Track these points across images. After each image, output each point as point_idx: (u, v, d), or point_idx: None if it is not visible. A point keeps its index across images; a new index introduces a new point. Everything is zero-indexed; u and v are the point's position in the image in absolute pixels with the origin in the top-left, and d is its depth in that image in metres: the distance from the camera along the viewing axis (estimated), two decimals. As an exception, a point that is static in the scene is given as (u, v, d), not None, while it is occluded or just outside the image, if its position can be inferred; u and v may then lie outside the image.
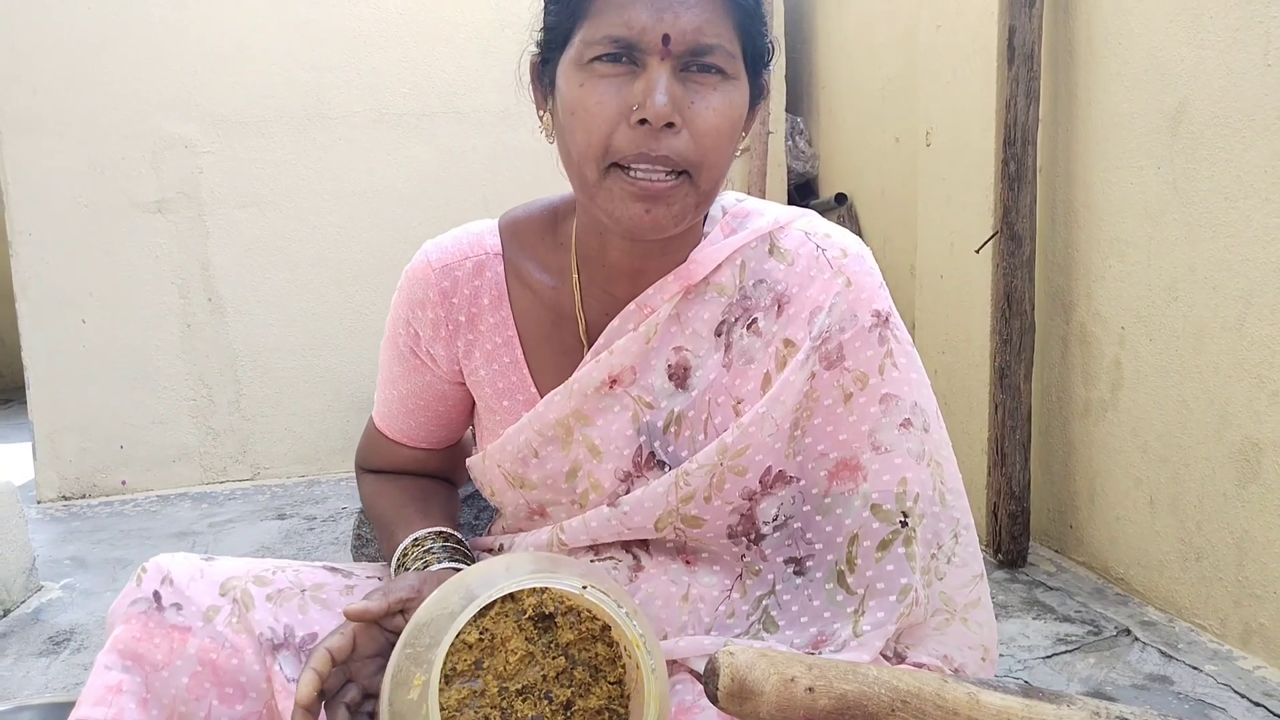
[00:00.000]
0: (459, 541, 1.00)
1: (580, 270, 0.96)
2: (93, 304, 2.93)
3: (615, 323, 0.94)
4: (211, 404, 3.06)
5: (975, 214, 2.16)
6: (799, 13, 3.26)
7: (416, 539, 0.98)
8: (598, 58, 0.81)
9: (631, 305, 0.94)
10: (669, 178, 0.82)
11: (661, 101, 0.80)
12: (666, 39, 0.80)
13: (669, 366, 0.94)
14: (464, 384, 1.02)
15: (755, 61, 0.88)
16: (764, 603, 0.94)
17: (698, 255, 0.93)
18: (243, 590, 0.92)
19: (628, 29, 0.80)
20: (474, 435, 1.12)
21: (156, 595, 0.88)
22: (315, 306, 3.09)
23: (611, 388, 0.94)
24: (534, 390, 0.97)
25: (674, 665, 0.92)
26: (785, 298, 0.94)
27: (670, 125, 0.81)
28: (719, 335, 0.94)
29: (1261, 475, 1.51)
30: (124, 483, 3.00)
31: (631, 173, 0.82)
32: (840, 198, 2.85)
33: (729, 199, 1.00)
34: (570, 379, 0.94)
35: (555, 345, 0.97)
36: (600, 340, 0.94)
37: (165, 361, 3.00)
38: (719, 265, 0.94)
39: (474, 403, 1.05)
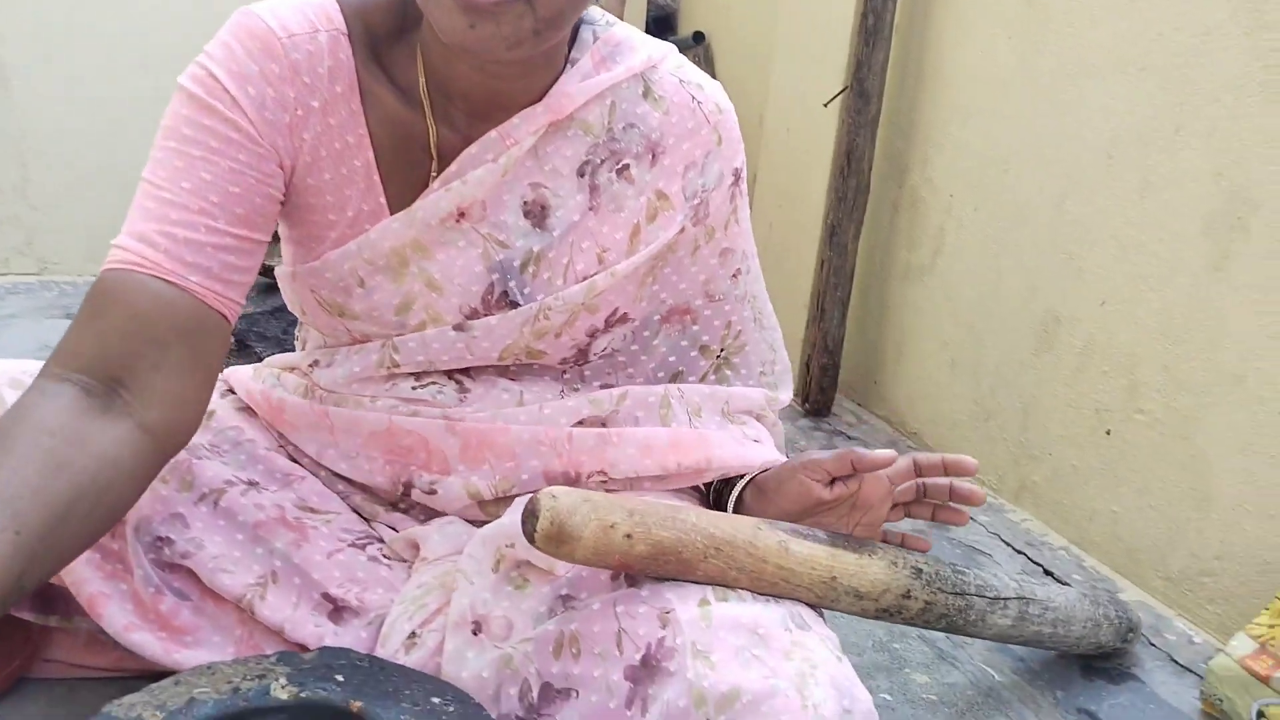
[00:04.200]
0: None
1: (430, 87, 0.86)
2: None
3: (473, 149, 0.86)
4: (-10, 185, 2.75)
5: (829, 67, 2.14)
6: None
7: None
8: None
9: (493, 134, 0.86)
10: None
11: None
12: None
13: (524, 203, 0.89)
14: (285, 187, 0.86)
15: None
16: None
17: (568, 88, 0.87)
18: None
19: None
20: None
21: None
22: (117, 92, 2.78)
23: (458, 221, 0.88)
24: (383, 202, 0.88)
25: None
26: (660, 148, 0.91)
27: None
28: (582, 176, 0.90)
29: (1056, 346, 1.61)
30: (-116, 263, 2.68)
31: None
32: (698, 36, 2.77)
33: (596, 17, 0.93)
34: (414, 205, 0.87)
35: (404, 159, 0.88)
36: (453, 167, 0.87)
37: (-66, 131, 2.66)
38: (587, 101, 0.88)
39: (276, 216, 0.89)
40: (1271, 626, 1.07)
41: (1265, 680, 1.02)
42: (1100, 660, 1.18)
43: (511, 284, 0.91)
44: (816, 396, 2.09)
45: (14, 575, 0.65)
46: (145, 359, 0.76)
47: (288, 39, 0.83)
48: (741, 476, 0.95)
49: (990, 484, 1.74)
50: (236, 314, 0.82)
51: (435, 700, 0.77)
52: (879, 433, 1.99)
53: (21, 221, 2.79)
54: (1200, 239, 1.36)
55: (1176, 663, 1.21)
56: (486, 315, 0.91)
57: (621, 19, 0.96)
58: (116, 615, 0.86)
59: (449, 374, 0.96)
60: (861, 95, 1.98)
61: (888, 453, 0.88)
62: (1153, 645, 1.24)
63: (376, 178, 0.87)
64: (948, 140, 1.88)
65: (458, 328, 0.91)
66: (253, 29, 0.82)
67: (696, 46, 2.75)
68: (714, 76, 2.88)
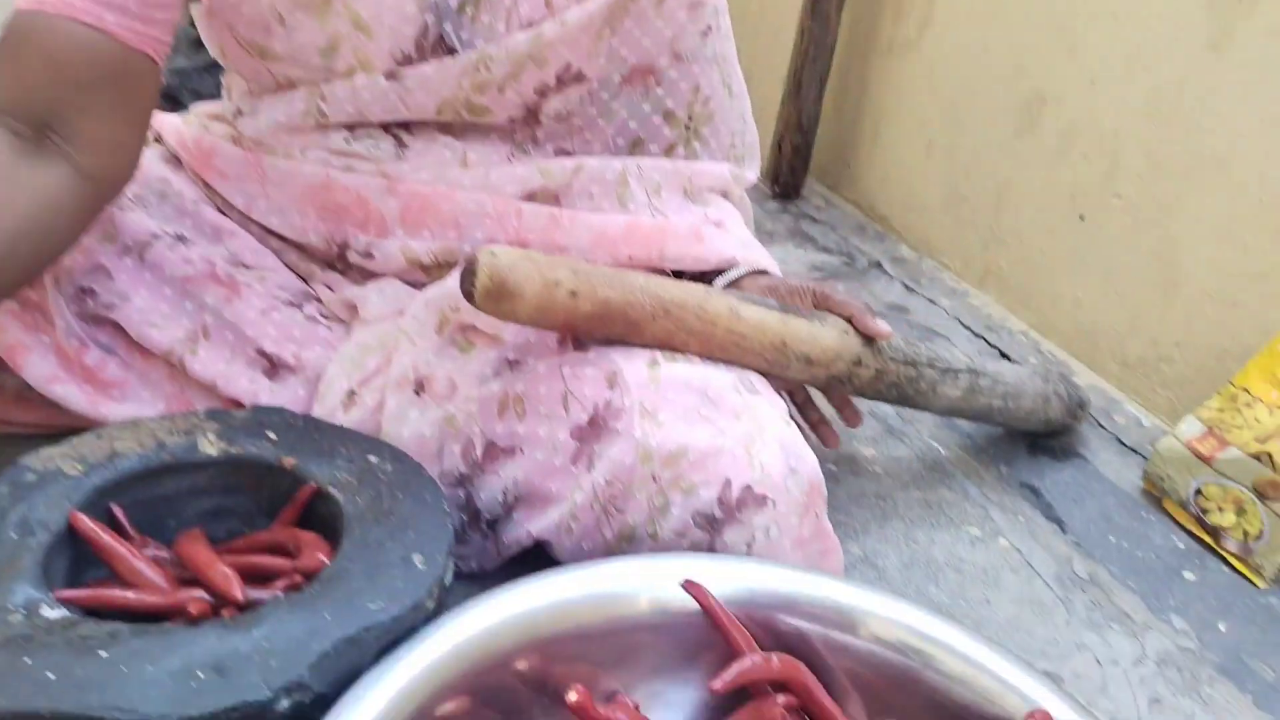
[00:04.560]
0: None
1: None
2: None
3: None
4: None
5: None
6: None
7: None
8: None
9: None
10: None
11: None
12: None
13: None
14: None
15: None
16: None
17: None
18: None
19: None
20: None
21: None
22: None
23: None
24: None
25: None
26: None
27: None
28: None
29: (1037, 128, 1.55)
30: None
31: None
32: None
33: None
34: None
35: None
36: None
37: None
38: None
39: None
40: (1221, 410, 1.07)
41: (1209, 461, 1.04)
42: (1047, 438, 1.20)
43: (447, 26, 0.83)
44: (786, 178, 2.02)
45: None
46: (70, 104, 0.74)
47: None
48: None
49: (955, 269, 1.72)
50: (164, 54, 0.78)
51: (372, 459, 0.75)
52: (848, 218, 1.95)
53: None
54: (1202, 14, 1.28)
55: (1123, 444, 1.23)
56: (421, 62, 0.84)
57: None
58: (38, 366, 0.83)
59: (385, 128, 0.89)
60: None
61: (887, 330, 0.89)
62: (1101, 427, 1.25)
63: None
64: (944, -102, 1.73)
65: (390, 76, 0.84)
66: None
67: None
68: None
